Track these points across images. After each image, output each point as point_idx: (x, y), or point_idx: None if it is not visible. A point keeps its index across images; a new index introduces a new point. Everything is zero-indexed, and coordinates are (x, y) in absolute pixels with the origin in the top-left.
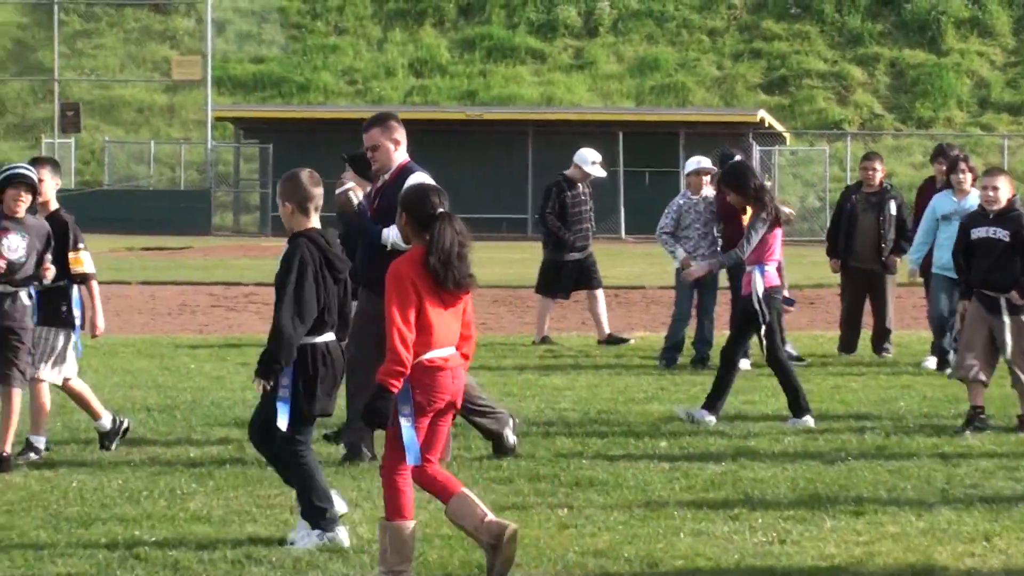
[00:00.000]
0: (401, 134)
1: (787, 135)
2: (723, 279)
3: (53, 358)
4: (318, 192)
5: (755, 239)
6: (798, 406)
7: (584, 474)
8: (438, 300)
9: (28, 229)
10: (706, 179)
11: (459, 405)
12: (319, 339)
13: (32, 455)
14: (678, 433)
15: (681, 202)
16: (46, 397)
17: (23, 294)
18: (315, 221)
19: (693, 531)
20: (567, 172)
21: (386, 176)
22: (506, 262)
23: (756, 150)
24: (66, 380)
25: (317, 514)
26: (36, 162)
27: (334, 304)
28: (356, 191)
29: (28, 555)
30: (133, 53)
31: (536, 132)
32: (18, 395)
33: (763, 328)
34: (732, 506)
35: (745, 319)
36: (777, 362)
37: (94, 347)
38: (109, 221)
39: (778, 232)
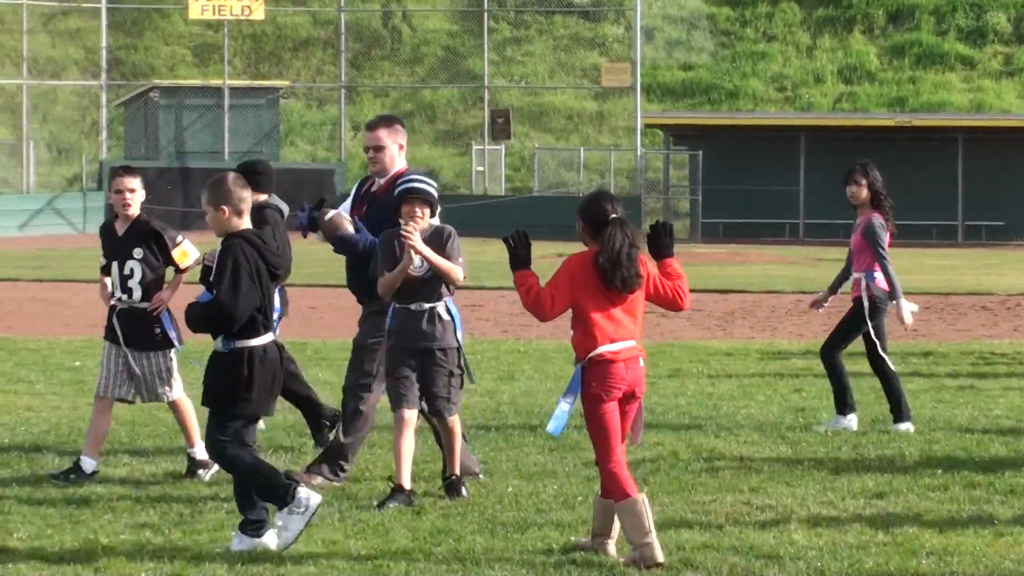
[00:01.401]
0: (405, 138)
1: None
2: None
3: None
4: (247, 194)
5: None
6: (900, 411)
7: (1019, 482)
8: (606, 299)
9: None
10: None
11: (640, 394)
12: (254, 342)
13: (201, 472)
14: None
15: None
16: (189, 410)
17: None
18: (247, 222)
19: None
20: None
21: (381, 181)
22: (936, 269)
23: None
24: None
25: (274, 491)
26: (128, 171)
27: (271, 305)
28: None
29: (465, 559)
30: (562, 60)
31: (966, 139)
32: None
33: (871, 332)
34: None
35: (857, 322)
36: (880, 367)
37: (524, 352)
38: (539, 227)
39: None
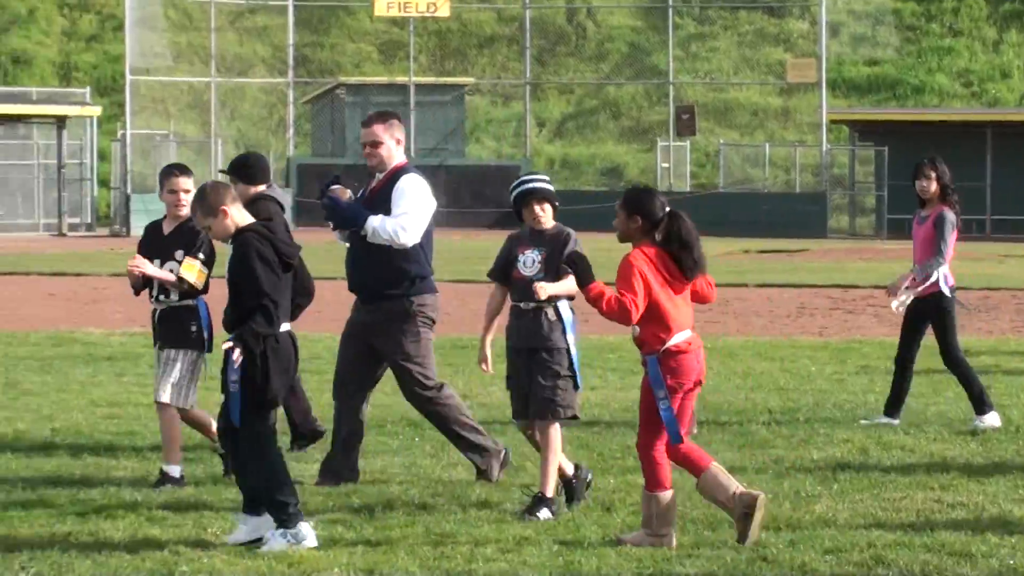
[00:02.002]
0: (402, 133)
1: None
2: None
3: (189, 379)
4: (230, 191)
5: (950, 239)
6: (981, 403)
7: None
8: (670, 288)
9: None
10: None
11: (703, 381)
12: (269, 331)
13: (169, 486)
14: None
15: None
16: (174, 425)
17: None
18: (245, 217)
19: None
20: None
21: (380, 176)
22: None
23: None
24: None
25: (279, 509)
26: (184, 171)
27: (285, 295)
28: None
29: (657, 556)
30: (747, 56)
31: None
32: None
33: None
34: None
35: (942, 318)
36: (956, 362)
37: (711, 348)
38: (724, 224)
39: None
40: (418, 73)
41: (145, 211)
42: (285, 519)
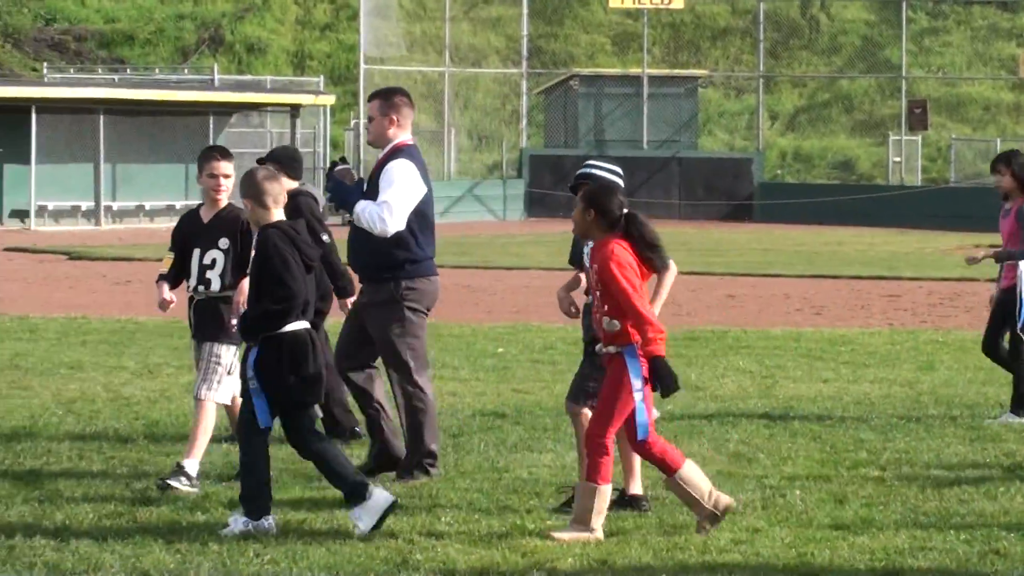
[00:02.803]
0: (402, 113)
1: None
2: None
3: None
4: (279, 187)
5: None
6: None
7: None
8: (641, 285)
9: None
10: None
11: None
12: (289, 328)
13: (183, 480)
14: None
15: None
16: (208, 421)
17: None
18: (279, 214)
19: None
20: None
21: (380, 156)
22: None
23: None
24: (233, 398)
25: (255, 499)
26: (224, 154)
27: (311, 293)
28: (352, 173)
29: (889, 549)
30: (980, 50)
31: None
32: None
33: (1019, 324)
34: None
35: (1003, 312)
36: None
37: (943, 342)
38: (955, 218)
39: None
40: (651, 65)
41: None
42: (361, 491)
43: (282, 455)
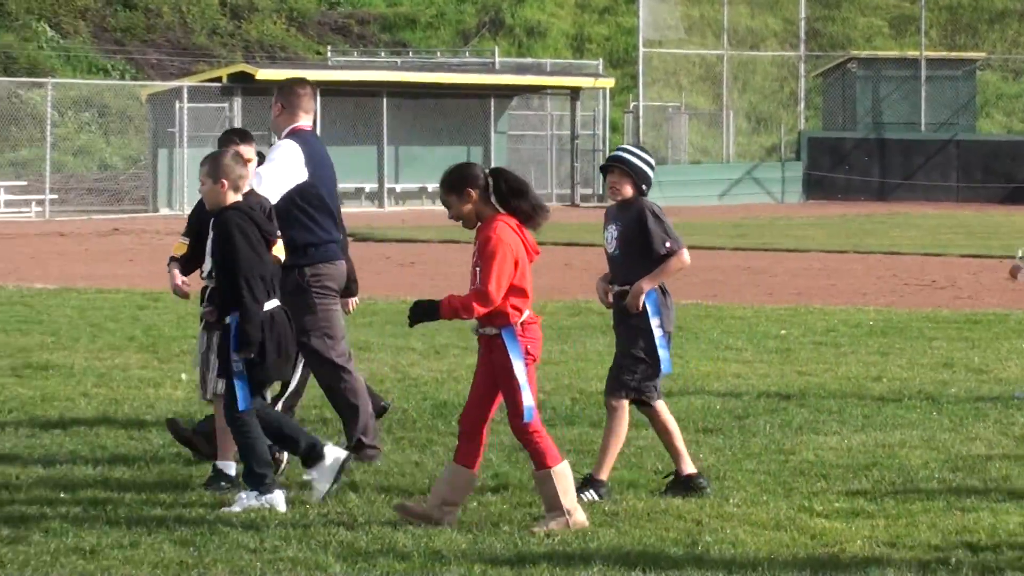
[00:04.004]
0: (290, 100)
1: None
2: None
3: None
4: (245, 171)
5: None
6: None
7: None
8: (525, 264)
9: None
10: None
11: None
12: (268, 306)
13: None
14: None
15: None
16: None
17: None
18: (237, 197)
19: None
20: None
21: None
22: None
23: None
24: None
25: (257, 480)
26: (245, 137)
27: (270, 271)
28: None
29: None
30: None
31: None
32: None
33: None
34: None
35: None
36: None
37: None
38: None
39: None
40: (928, 48)
41: (657, 182)
42: (261, 488)
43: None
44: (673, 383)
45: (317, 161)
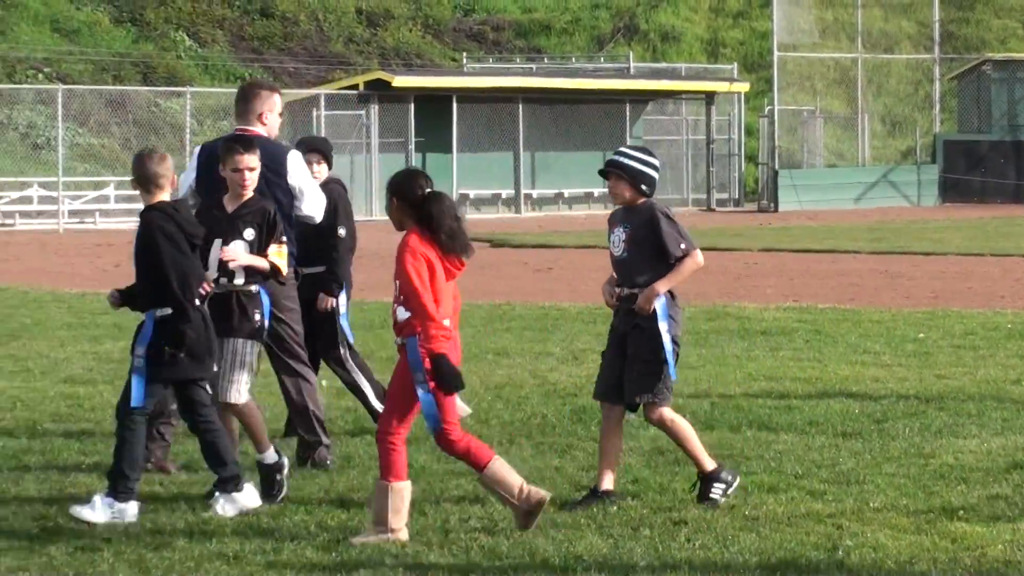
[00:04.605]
0: (245, 104)
1: None
2: None
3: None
4: (166, 170)
5: None
6: None
7: None
8: (444, 275)
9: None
10: None
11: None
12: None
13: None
14: None
15: None
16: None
17: None
18: (163, 196)
19: None
20: None
21: None
22: None
23: None
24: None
25: (120, 482)
26: (248, 146)
27: (194, 272)
28: None
29: None
30: None
31: None
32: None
33: None
34: None
35: None
36: None
37: None
38: None
39: None
40: None
41: (792, 186)
42: (122, 492)
43: (708, 439)
44: (811, 387)
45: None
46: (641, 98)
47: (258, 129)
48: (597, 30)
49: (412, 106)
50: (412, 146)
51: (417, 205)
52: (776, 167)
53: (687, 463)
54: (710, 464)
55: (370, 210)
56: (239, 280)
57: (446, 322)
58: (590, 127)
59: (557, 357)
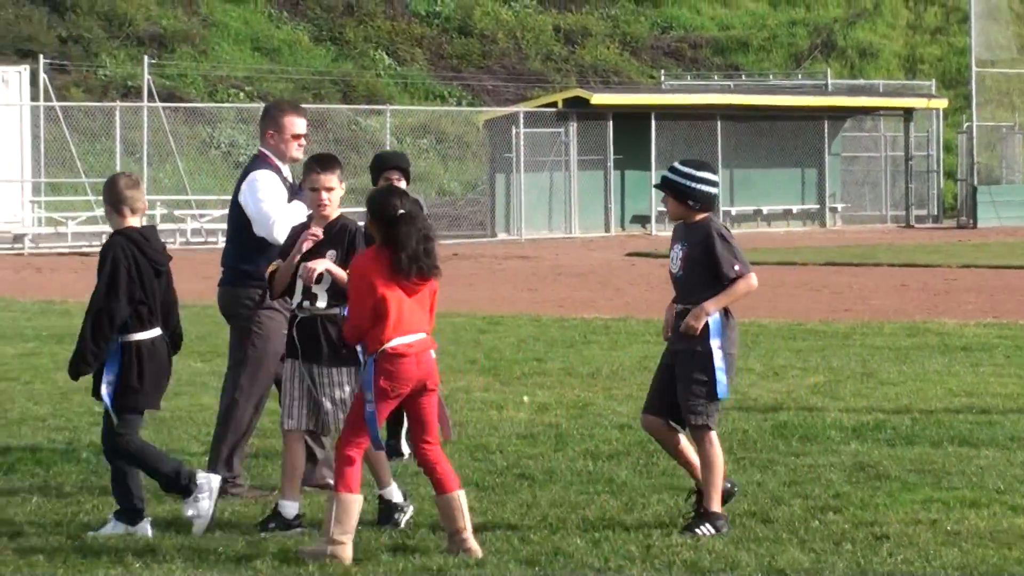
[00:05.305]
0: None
1: None
2: None
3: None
4: (139, 193)
5: None
6: None
7: None
8: (400, 291)
9: None
10: None
11: (433, 386)
12: (140, 335)
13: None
14: None
15: None
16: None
17: None
18: (133, 221)
19: None
20: None
21: None
22: None
23: None
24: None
25: (128, 506)
26: (326, 166)
27: (156, 299)
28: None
29: None
30: None
31: None
32: None
33: None
34: None
35: None
36: None
37: None
38: None
39: None
40: None
41: (992, 203)
42: (186, 484)
43: (911, 455)
44: (1013, 402)
45: None
46: (839, 115)
47: (264, 148)
48: (795, 47)
49: (611, 123)
50: (611, 163)
51: (388, 224)
52: (975, 183)
53: (889, 478)
54: (718, 506)
55: (569, 228)
56: (321, 303)
57: (410, 337)
58: (788, 144)
59: (758, 373)
